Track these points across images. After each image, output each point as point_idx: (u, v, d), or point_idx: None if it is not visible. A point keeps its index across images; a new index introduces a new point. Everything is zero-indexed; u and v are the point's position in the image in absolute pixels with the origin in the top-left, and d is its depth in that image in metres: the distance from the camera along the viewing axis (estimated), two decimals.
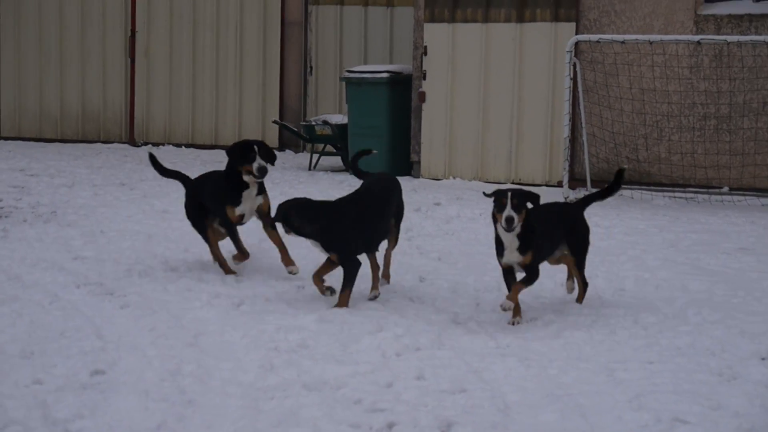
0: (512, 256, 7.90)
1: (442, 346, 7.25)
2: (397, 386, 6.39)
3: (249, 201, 9.38)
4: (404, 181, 16.08)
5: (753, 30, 15.17)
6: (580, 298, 8.48)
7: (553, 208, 8.56)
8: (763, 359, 6.99)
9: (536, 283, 8.66)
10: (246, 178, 9.26)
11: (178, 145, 21.35)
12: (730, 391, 6.31)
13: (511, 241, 7.85)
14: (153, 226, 11.88)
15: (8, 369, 6.53)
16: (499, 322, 7.95)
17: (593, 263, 10.10)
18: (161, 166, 10.33)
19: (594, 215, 13.00)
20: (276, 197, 14.13)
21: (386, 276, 9.08)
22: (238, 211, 9.36)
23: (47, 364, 6.66)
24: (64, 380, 6.34)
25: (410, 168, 17.33)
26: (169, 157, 19.51)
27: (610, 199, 14.28)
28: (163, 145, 21.37)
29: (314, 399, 6.14)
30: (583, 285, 8.48)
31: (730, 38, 14.48)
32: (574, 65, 15.29)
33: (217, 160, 18.95)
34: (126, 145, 21.46)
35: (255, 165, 9.18)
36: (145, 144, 21.53)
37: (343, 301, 8.26)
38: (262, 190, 9.44)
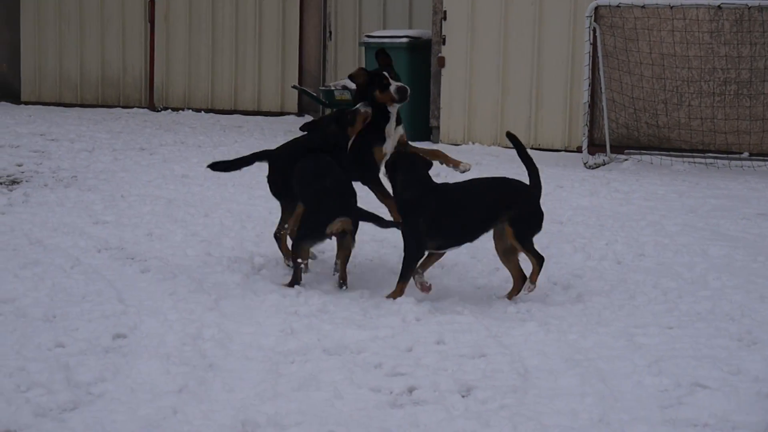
0: None
1: (461, 311, 7.27)
2: (417, 351, 6.41)
3: (391, 135, 8.41)
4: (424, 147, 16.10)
5: None
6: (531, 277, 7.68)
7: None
8: None
9: (555, 248, 8.70)
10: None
11: (198, 110, 21.36)
12: (750, 356, 6.31)
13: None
14: (173, 191, 11.92)
15: (31, 332, 6.58)
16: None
17: (614, 228, 10.11)
18: (230, 162, 9.07)
19: (613, 180, 13.04)
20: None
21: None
22: (385, 149, 8.35)
23: (69, 327, 6.70)
24: (86, 344, 6.37)
25: (429, 133, 17.31)
26: (189, 121, 19.56)
27: (628, 164, 14.39)
28: (182, 110, 21.39)
29: (334, 363, 6.17)
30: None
31: (751, 2, 14.40)
32: (594, 30, 15.22)
33: (237, 125, 19.01)
34: (146, 110, 21.48)
35: (392, 88, 8.26)
36: (165, 109, 21.54)
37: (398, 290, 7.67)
38: (399, 120, 8.44)
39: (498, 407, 5.48)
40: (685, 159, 15.04)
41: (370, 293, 7.68)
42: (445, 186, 7.86)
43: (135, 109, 21.61)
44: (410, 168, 7.71)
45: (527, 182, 7.69)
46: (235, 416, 5.28)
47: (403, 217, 7.66)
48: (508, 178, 7.86)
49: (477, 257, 8.87)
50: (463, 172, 8.15)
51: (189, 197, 11.51)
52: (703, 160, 14.96)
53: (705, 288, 7.92)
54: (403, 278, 7.59)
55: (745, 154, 15.12)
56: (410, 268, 7.57)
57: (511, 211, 7.49)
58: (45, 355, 6.16)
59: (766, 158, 14.90)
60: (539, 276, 7.59)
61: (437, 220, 7.52)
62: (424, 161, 7.88)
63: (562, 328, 6.90)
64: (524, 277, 7.65)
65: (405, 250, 7.58)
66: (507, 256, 7.70)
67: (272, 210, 10.61)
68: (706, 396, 5.58)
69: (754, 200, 11.93)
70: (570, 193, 12.16)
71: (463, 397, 5.65)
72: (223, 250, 9.02)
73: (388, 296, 7.54)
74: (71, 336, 6.51)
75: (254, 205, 11.12)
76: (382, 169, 8.08)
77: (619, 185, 12.63)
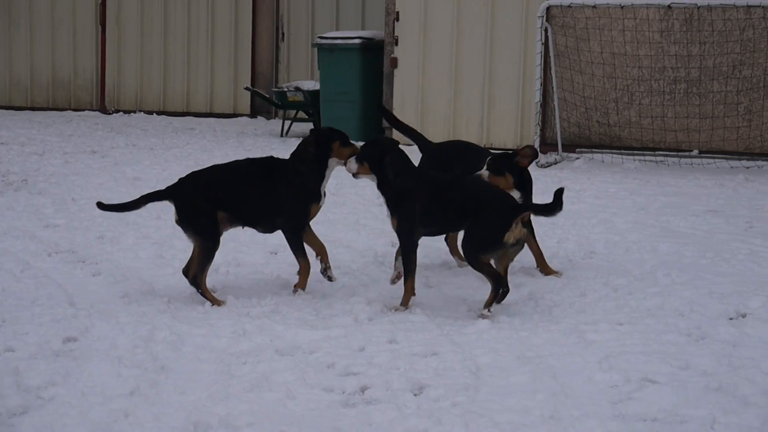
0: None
1: (413, 309, 7.28)
2: (370, 350, 6.41)
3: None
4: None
5: None
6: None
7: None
8: (730, 319, 7.05)
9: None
10: None
11: (150, 113, 21.29)
12: (699, 351, 6.36)
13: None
14: (125, 193, 11.84)
15: None
16: (469, 285, 7.99)
17: (565, 226, 10.17)
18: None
19: (565, 179, 13.10)
20: None
21: None
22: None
23: (19, 331, 6.65)
24: (37, 348, 6.33)
25: (382, 133, 17.33)
26: (141, 124, 19.48)
27: (580, 163, 14.47)
28: (134, 112, 21.31)
29: (287, 363, 6.16)
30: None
31: (700, 2, 14.52)
32: (546, 30, 15.30)
33: (189, 127, 18.95)
34: (97, 113, 21.37)
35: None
36: (117, 111, 21.45)
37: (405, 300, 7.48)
38: None
39: (450, 405, 5.50)
40: (635, 157, 15.15)
41: (322, 294, 7.68)
42: (435, 176, 7.67)
43: (86, 111, 21.51)
44: (399, 155, 7.52)
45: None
46: (187, 418, 5.27)
47: (396, 207, 7.45)
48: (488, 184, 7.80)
49: (429, 256, 8.88)
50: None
51: None
52: (653, 158, 15.07)
53: (654, 284, 7.97)
54: (410, 273, 7.41)
55: (695, 152, 15.25)
56: (412, 259, 7.41)
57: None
58: None
59: (715, 156, 15.03)
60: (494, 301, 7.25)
61: (428, 208, 7.34)
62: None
63: (514, 325, 6.93)
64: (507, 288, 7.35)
65: (402, 244, 7.42)
66: (500, 261, 7.35)
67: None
68: (656, 391, 5.62)
69: (703, 197, 12.03)
70: None
71: (415, 395, 5.66)
72: (174, 252, 8.99)
73: (402, 304, 7.36)
74: (21, 340, 6.46)
75: None
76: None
77: (571, 183, 12.69)
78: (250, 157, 8.08)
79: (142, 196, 7.74)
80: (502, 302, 7.25)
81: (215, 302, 7.45)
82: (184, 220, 7.54)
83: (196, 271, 7.53)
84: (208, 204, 7.52)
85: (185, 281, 7.95)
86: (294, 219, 7.66)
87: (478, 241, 7.16)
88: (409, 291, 7.41)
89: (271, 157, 7.96)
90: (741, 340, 6.55)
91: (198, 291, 7.51)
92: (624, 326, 6.90)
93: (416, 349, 6.42)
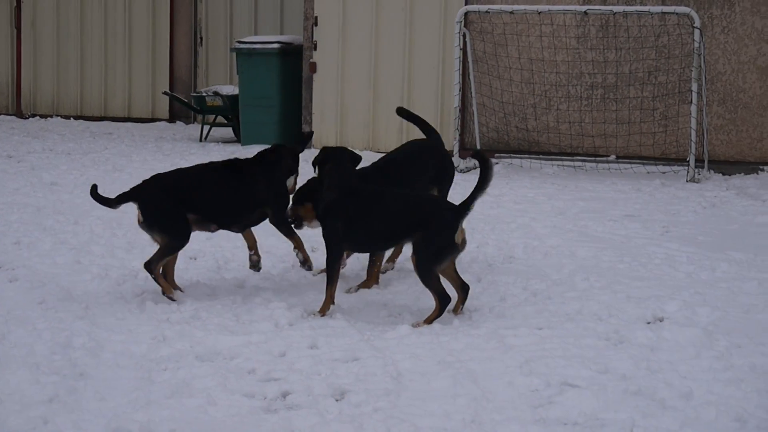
0: None
1: (334, 315, 7.28)
2: (291, 355, 6.41)
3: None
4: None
5: (638, 1, 15.39)
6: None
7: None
8: (648, 323, 7.13)
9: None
10: None
11: (67, 117, 21.08)
12: (617, 354, 6.43)
13: None
14: (42, 198, 11.73)
15: None
16: (390, 290, 8.01)
17: (484, 231, 10.22)
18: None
19: None
20: (167, 168, 14.06)
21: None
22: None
23: None
24: None
25: (300, 138, 17.30)
26: (58, 128, 19.28)
27: (499, 168, 14.57)
28: (51, 116, 21.09)
29: (207, 369, 6.13)
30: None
31: (616, 8, 14.69)
32: (464, 35, 15.39)
33: (107, 132, 18.79)
34: (13, 117, 21.12)
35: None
36: (33, 116, 21.21)
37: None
38: None
39: (372, 410, 5.51)
40: (554, 162, 15.29)
41: (243, 299, 7.65)
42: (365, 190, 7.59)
43: (2, 116, 21.25)
44: (337, 166, 7.59)
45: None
46: (107, 425, 5.23)
47: (323, 219, 7.49)
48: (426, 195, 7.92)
49: (348, 261, 8.88)
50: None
51: (58, 205, 11.34)
52: (571, 163, 15.22)
53: (573, 289, 8.05)
54: (331, 282, 7.39)
55: (612, 157, 15.42)
56: (335, 270, 7.42)
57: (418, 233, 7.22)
58: None
59: (632, 161, 15.20)
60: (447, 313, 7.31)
61: (353, 224, 7.37)
62: (353, 156, 7.81)
63: (434, 330, 6.95)
64: (466, 286, 7.44)
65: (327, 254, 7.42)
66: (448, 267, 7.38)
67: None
68: (576, 395, 5.67)
69: (621, 202, 12.16)
70: None
71: (336, 401, 5.66)
72: (93, 257, 8.91)
73: (320, 311, 7.35)
74: None
75: (124, 212, 10.94)
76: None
77: (490, 188, 12.70)
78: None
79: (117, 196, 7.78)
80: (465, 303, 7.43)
81: (167, 290, 7.57)
82: (150, 221, 7.61)
83: (152, 259, 7.60)
84: (177, 205, 7.61)
85: (104, 287, 7.91)
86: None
87: (433, 254, 7.17)
88: (329, 299, 7.39)
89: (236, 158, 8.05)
90: (658, 344, 6.63)
91: (151, 276, 7.60)
92: (543, 330, 6.95)
93: (337, 354, 6.42)
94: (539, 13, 15.07)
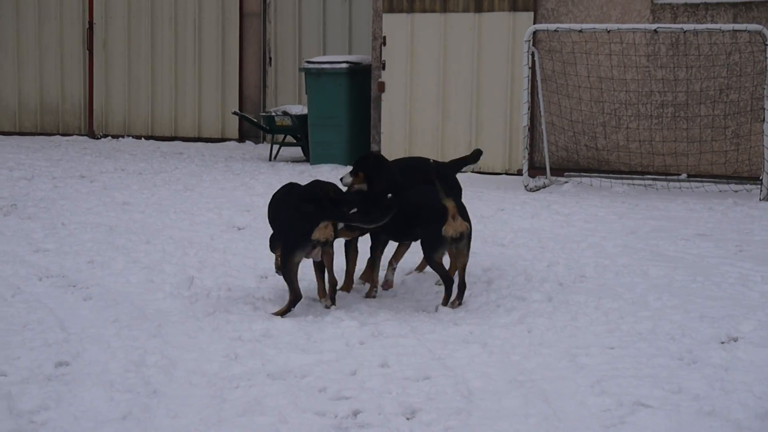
0: None
1: (405, 333, 7.29)
2: (362, 374, 6.42)
3: None
4: None
5: (709, 18, 15.29)
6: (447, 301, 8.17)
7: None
8: (722, 343, 7.07)
9: (497, 271, 8.79)
10: None
11: (138, 137, 21.28)
12: (691, 374, 6.38)
13: None
14: (114, 218, 11.85)
15: None
16: (461, 309, 8.00)
17: (554, 250, 10.17)
18: None
19: (554, 203, 13.12)
20: (236, 188, 14.20)
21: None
22: None
23: (11, 356, 6.65)
24: (28, 372, 6.33)
25: None
26: (129, 148, 19.48)
27: (568, 187, 14.50)
28: (122, 137, 21.30)
29: (279, 388, 6.16)
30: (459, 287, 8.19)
31: (686, 26, 14.58)
32: (533, 54, 15.36)
33: (177, 152, 18.96)
34: (85, 138, 21.36)
35: None
36: (105, 136, 21.44)
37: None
38: None
39: (442, 429, 5.51)
40: (624, 181, 15.18)
41: (314, 317, 7.68)
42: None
43: (74, 136, 21.49)
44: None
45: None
46: None
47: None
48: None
49: (419, 279, 8.90)
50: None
51: (130, 224, 11.45)
52: (642, 182, 15.11)
53: (645, 308, 7.99)
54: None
55: (683, 176, 15.30)
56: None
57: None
58: None
59: (703, 179, 15.07)
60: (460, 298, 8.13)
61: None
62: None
63: (505, 349, 6.94)
64: (463, 284, 8.15)
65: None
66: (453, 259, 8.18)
67: (213, 236, 10.65)
68: (648, 415, 5.63)
69: (692, 221, 12.05)
70: (511, 216, 12.22)
71: (407, 419, 5.67)
72: (165, 276, 8.99)
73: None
74: (13, 365, 6.46)
75: (195, 231, 11.09)
76: None
77: (560, 207, 12.72)
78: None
79: None
80: (462, 301, 8.04)
81: None
82: None
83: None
84: None
85: (176, 305, 7.98)
86: None
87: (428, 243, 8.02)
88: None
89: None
90: (733, 364, 6.57)
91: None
92: (615, 350, 6.92)
93: (408, 372, 6.43)
94: (608, 31, 15.00)
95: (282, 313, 7.74)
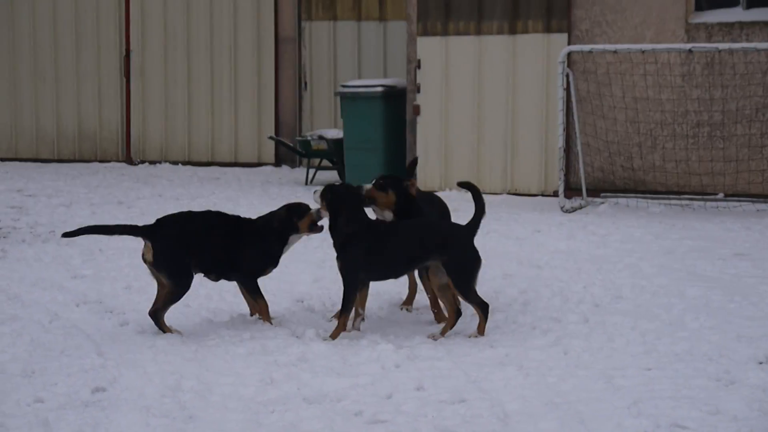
0: None
1: (440, 356, 7.28)
2: (397, 397, 6.42)
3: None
4: None
5: (744, 37, 15.23)
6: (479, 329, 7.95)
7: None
8: (760, 363, 7.03)
9: (533, 293, 8.78)
10: None
11: (175, 163, 21.39)
12: (729, 396, 6.34)
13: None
14: None
15: (9, 388, 6.56)
16: (496, 331, 7.98)
17: (590, 271, 10.14)
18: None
19: (590, 223, 13.08)
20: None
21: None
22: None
23: (48, 382, 6.69)
24: (66, 398, 6.36)
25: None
26: (167, 174, 19.58)
27: (605, 207, 14.45)
28: (160, 163, 21.41)
29: (314, 412, 6.17)
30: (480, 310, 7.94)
31: (721, 46, 14.53)
32: (567, 76, 15.34)
33: (214, 177, 19.04)
34: (123, 164, 21.48)
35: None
36: (142, 162, 21.57)
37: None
38: None
39: None
40: (660, 201, 15.13)
41: (349, 341, 7.69)
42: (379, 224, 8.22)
43: (112, 163, 21.61)
44: (351, 203, 8.01)
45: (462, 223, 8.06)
46: None
47: (341, 251, 7.92)
48: (439, 221, 8.49)
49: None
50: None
51: None
52: (678, 202, 15.05)
53: (683, 329, 7.95)
54: (345, 311, 7.86)
55: (720, 195, 15.22)
56: (350, 300, 7.88)
57: (444, 256, 7.79)
58: (24, 411, 6.14)
59: (741, 199, 14.99)
60: (487, 323, 7.91)
61: (372, 255, 7.86)
62: (360, 196, 8.21)
63: (542, 371, 6.92)
64: (459, 312, 7.96)
65: (344, 284, 7.88)
66: (442, 291, 7.96)
67: None
68: None
69: (729, 241, 11.99)
70: (547, 237, 12.21)
71: None
72: (201, 300, 9.02)
73: (331, 336, 7.80)
74: (50, 391, 6.50)
75: None
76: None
77: (596, 228, 12.68)
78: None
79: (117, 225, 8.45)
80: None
81: (169, 332, 7.92)
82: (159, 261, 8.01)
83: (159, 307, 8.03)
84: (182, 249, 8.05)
85: (212, 329, 8.01)
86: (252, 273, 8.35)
87: (470, 269, 7.80)
88: (341, 326, 7.85)
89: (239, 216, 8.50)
90: None
91: (156, 324, 7.97)
92: (652, 371, 6.89)
93: (444, 396, 6.42)
94: (643, 52, 14.97)
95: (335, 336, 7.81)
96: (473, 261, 7.83)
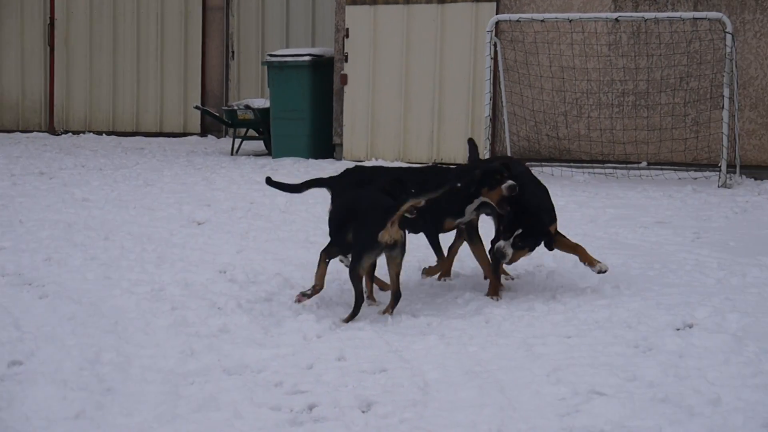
0: None
1: (362, 326, 7.27)
2: (318, 368, 6.39)
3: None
4: (326, 164, 16.13)
5: (670, 7, 15.33)
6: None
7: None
8: (677, 330, 7.08)
9: (459, 262, 8.82)
10: None
11: (99, 133, 21.20)
12: (646, 362, 6.38)
13: None
14: (73, 214, 11.78)
15: None
16: (418, 300, 7.99)
17: None
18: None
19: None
20: (197, 183, 14.14)
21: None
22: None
23: None
24: None
25: (332, 151, 17.34)
26: (90, 144, 19.39)
27: None
28: (83, 133, 21.21)
29: (235, 383, 6.13)
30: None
31: (647, 15, 14.63)
32: (495, 45, 15.36)
33: (138, 147, 18.88)
34: (46, 134, 21.26)
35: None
36: (65, 132, 21.33)
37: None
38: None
39: (398, 421, 5.49)
40: (585, 170, 15.23)
41: (271, 312, 7.65)
42: None
43: (35, 133, 21.39)
44: None
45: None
46: None
47: None
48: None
49: (377, 272, 8.86)
50: (599, 272, 8.24)
51: (89, 221, 11.38)
52: (602, 171, 15.16)
53: (602, 297, 8.00)
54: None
55: (644, 164, 15.36)
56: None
57: None
58: None
59: (663, 167, 15.13)
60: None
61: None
62: None
63: (463, 340, 6.93)
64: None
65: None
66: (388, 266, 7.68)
67: (173, 231, 10.60)
68: (603, 403, 5.63)
69: (651, 209, 12.10)
70: None
71: (363, 412, 5.64)
72: (122, 272, 8.93)
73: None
74: None
75: (155, 227, 11.05)
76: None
77: None
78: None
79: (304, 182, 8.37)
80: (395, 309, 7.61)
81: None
82: None
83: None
84: None
85: (133, 302, 7.92)
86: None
87: (357, 244, 7.50)
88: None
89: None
90: (687, 350, 6.58)
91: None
92: (572, 339, 6.92)
93: (365, 365, 6.41)
94: (570, 21, 15.03)
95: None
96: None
